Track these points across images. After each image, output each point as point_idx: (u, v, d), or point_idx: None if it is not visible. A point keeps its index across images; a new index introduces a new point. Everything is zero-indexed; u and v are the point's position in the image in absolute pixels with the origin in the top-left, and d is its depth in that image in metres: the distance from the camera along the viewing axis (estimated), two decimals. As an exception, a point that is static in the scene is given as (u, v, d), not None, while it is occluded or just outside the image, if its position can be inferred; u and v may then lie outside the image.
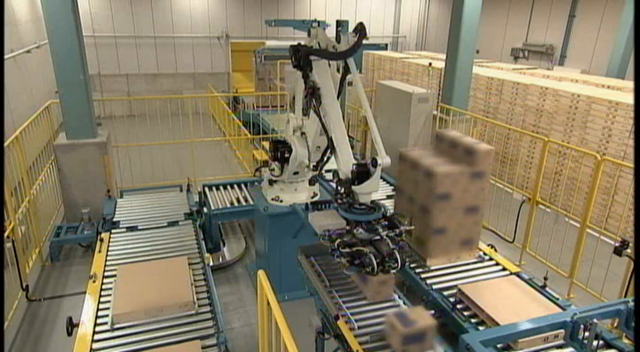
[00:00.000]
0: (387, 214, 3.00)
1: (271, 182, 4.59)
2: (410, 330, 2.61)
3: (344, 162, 3.18)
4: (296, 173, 4.47)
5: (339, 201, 3.07)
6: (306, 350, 2.75)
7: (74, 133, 5.98)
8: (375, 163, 2.96)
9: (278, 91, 10.63)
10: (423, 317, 2.71)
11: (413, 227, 3.19)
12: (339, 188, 3.12)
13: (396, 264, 2.77)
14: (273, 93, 10.78)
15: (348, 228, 2.94)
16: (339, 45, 3.46)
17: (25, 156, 5.44)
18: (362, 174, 2.99)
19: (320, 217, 3.12)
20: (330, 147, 3.33)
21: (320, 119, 3.47)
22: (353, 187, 3.01)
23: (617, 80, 8.93)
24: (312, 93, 3.46)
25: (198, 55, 15.19)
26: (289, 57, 3.69)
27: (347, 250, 2.77)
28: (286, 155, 4.29)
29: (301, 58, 3.50)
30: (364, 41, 3.37)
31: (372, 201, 3.05)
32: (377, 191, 3.06)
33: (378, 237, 2.82)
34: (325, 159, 4.06)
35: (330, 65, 3.65)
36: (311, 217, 3.23)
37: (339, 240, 2.81)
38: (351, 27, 3.48)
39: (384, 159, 2.98)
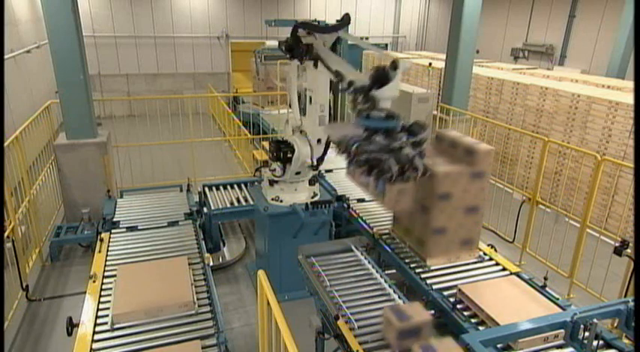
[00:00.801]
0: (406, 124, 2.82)
1: (272, 182, 4.59)
2: (406, 325, 2.66)
3: (355, 76, 3.08)
4: (298, 173, 4.47)
5: (357, 109, 2.91)
6: (306, 350, 2.76)
7: (74, 133, 5.98)
8: (395, 66, 2.84)
9: (278, 91, 10.63)
10: (420, 313, 2.76)
11: (432, 135, 3.17)
12: (356, 96, 2.93)
13: (416, 172, 2.68)
14: (273, 93, 10.78)
15: (366, 135, 2.72)
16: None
17: (25, 156, 5.44)
18: (382, 77, 2.84)
19: (337, 128, 3.01)
20: (340, 76, 3.21)
21: (325, 65, 3.55)
22: (373, 92, 2.84)
23: (617, 80, 8.93)
24: (307, 49, 3.73)
25: (198, 55, 15.19)
26: (284, 46, 4.00)
27: (365, 156, 2.64)
28: (289, 155, 4.29)
29: (290, 34, 3.78)
30: (364, 41, 3.55)
31: (389, 111, 2.86)
32: (396, 97, 2.93)
33: (397, 145, 2.67)
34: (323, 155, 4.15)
35: (316, 66, 3.89)
36: (327, 129, 3.18)
37: (355, 147, 2.66)
38: (351, 28, 3.76)
39: (404, 63, 2.91)
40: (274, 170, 4.46)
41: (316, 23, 4.17)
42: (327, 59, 3.57)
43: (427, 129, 2.81)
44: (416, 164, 2.67)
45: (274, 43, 13.04)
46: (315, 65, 3.77)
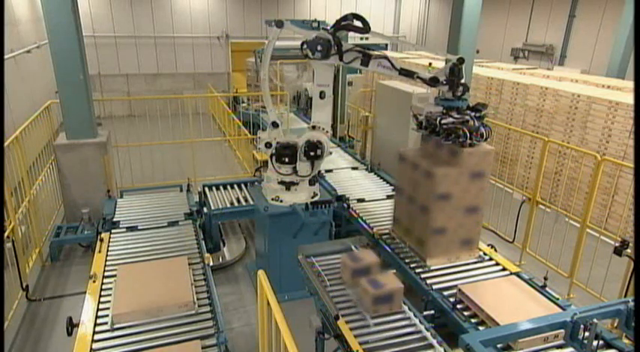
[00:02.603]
0: (470, 104, 3.99)
1: (289, 186, 4.52)
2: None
3: (424, 74, 4.01)
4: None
5: (443, 97, 3.97)
6: (306, 350, 2.76)
7: (74, 133, 5.98)
8: (462, 61, 3.90)
9: (278, 91, 10.63)
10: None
11: (493, 112, 4.09)
12: (436, 85, 3.93)
13: (481, 138, 3.79)
14: (273, 93, 10.78)
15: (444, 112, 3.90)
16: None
17: (25, 156, 5.44)
18: (454, 70, 3.87)
19: (426, 104, 4.16)
20: (412, 76, 4.05)
21: (392, 63, 4.06)
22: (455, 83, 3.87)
23: (617, 80, 8.92)
24: (339, 48, 4.06)
25: (198, 55, 15.19)
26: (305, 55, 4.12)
27: (446, 125, 3.75)
28: (319, 153, 4.36)
29: (334, 31, 4.04)
30: (365, 41, 3.75)
31: (459, 94, 3.94)
32: (466, 82, 4.06)
33: (466, 119, 3.78)
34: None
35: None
36: (419, 102, 4.67)
37: (439, 120, 3.77)
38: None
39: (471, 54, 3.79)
40: (295, 171, 4.43)
41: (316, 23, 4.23)
42: (392, 59, 4.07)
43: (487, 107, 4.03)
44: (481, 131, 3.77)
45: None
46: (365, 64, 4.08)
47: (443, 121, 3.72)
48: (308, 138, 4.37)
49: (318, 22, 4.32)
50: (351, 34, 4.63)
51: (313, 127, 4.42)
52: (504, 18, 15.21)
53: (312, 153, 4.34)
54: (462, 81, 3.94)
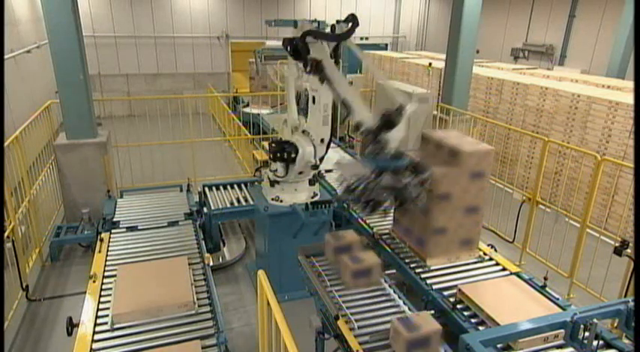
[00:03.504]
0: (412, 162, 3.05)
1: (273, 183, 4.58)
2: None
3: (363, 114, 3.19)
4: (300, 173, 4.48)
5: (367, 151, 3.08)
6: (306, 350, 2.76)
7: (74, 133, 5.98)
8: (400, 111, 3.04)
9: (278, 91, 10.62)
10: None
11: (435, 173, 3.32)
12: (364, 138, 3.14)
13: (419, 206, 3.04)
14: (274, 93, 10.78)
15: (373, 176, 2.96)
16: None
17: (25, 156, 5.44)
18: (388, 123, 3.04)
19: (346, 165, 3.21)
20: (347, 107, 3.33)
21: (330, 85, 3.53)
22: (381, 135, 3.03)
23: (617, 80, 8.93)
24: (317, 66, 3.59)
25: (198, 55, 15.19)
26: (287, 54, 3.89)
27: (365, 197, 2.90)
28: (292, 155, 4.29)
29: (299, 40, 3.67)
30: (365, 41, 3.54)
31: (396, 150, 3.06)
32: (403, 137, 3.13)
33: (402, 184, 2.93)
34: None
35: (329, 46, 3.83)
36: (337, 166, 3.33)
37: (360, 188, 2.88)
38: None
39: (410, 105, 3.03)
40: (276, 170, 4.46)
41: (316, 23, 4.15)
42: (336, 83, 3.51)
43: (431, 168, 3.10)
44: (420, 199, 2.97)
45: (274, 43, 13.06)
46: (321, 81, 3.65)
47: (360, 186, 2.86)
48: (286, 140, 4.36)
49: (318, 22, 4.30)
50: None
51: (303, 132, 4.37)
52: (504, 18, 15.20)
53: (278, 155, 4.32)
54: (397, 134, 3.03)
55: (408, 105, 3.04)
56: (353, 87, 3.47)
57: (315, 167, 4.42)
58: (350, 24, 3.66)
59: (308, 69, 3.71)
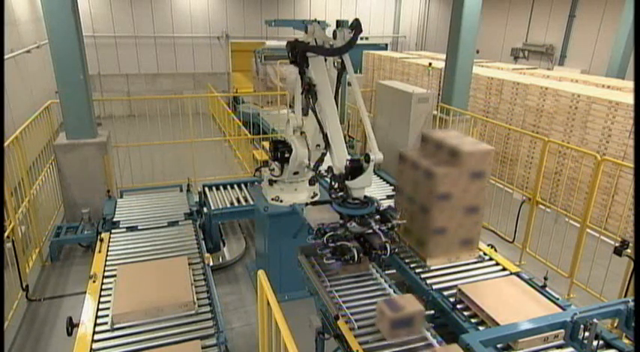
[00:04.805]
0: (380, 208, 3.10)
1: (271, 182, 4.59)
2: (399, 315, 2.77)
3: (338, 158, 3.22)
4: (296, 173, 4.47)
5: (333, 195, 3.13)
6: (306, 350, 2.76)
7: (74, 133, 5.98)
8: (367, 159, 3.05)
9: (278, 91, 10.63)
10: (412, 303, 2.88)
11: (404, 221, 3.30)
12: (333, 183, 3.17)
13: (385, 253, 2.93)
14: (274, 93, 10.78)
15: (341, 222, 3.03)
16: (336, 41, 3.50)
17: (25, 156, 5.44)
18: (355, 169, 3.07)
19: (315, 211, 3.21)
20: (325, 143, 3.37)
21: (315, 115, 3.49)
22: (347, 182, 3.06)
23: (617, 80, 8.93)
24: (309, 90, 3.49)
25: (198, 55, 15.19)
26: (287, 55, 3.73)
27: (332, 245, 2.91)
28: (286, 155, 4.29)
29: (298, 54, 3.54)
30: (365, 41, 3.43)
31: (365, 196, 3.12)
32: (370, 186, 3.15)
33: (370, 231, 2.94)
34: (322, 156, 4.09)
35: (326, 60, 3.69)
36: (306, 211, 3.28)
37: (328, 235, 2.91)
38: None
39: (376, 156, 3.06)
40: (273, 169, 4.47)
41: (328, 46, 3.89)
42: (324, 111, 3.40)
43: (399, 214, 3.12)
44: (387, 247, 2.90)
45: (274, 43, 13.07)
46: (314, 109, 3.51)
47: (332, 236, 2.89)
48: (282, 139, 4.36)
49: (318, 22, 4.30)
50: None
51: (301, 133, 4.35)
52: (504, 18, 15.20)
53: (273, 153, 4.33)
54: (361, 183, 3.00)
55: (373, 155, 3.07)
56: (338, 131, 3.39)
57: (314, 169, 4.41)
58: (352, 31, 3.31)
59: (301, 90, 3.59)
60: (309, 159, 4.24)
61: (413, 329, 2.88)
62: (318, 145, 4.17)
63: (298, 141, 4.28)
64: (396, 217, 3.07)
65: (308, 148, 4.22)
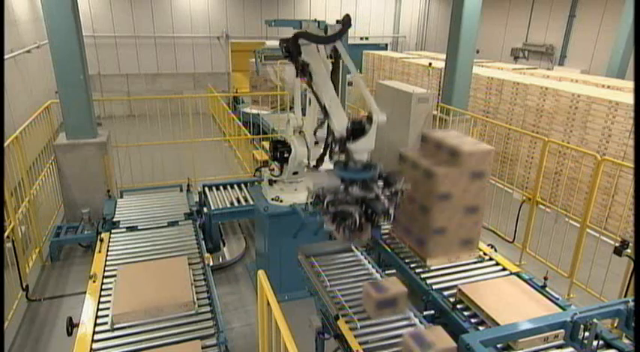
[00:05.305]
0: (383, 174, 2.97)
1: (271, 182, 4.60)
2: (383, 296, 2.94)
3: (338, 121, 3.13)
4: (295, 173, 4.47)
5: (334, 160, 3.03)
6: (306, 350, 2.76)
7: (74, 133, 5.98)
8: (370, 120, 2.92)
9: (278, 91, 10.63)
10: (396, 285, 3.06)
11: (409, 186, 3.15)
12: (333, 146, 3.06)
13: (388, 219, 2.86)
14: (274, 93, 10.78)
15: (343, 187, 2.89)
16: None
17: (25, 156, 5.44)
18: (357, 131, 2.94)
19: (315, 176, 3.13)
20: (324, 113, 3.28)
21: (313, 91, 3.46)
22: (348, 145, 2.95)
23: (617, 80, 8.93)
24: (302, 70, 3.50)
25: (198, 55, 15.19)
26: (281, 50, 3.78)
27: (333, 209, 2.80)
28: (285, 155, 4.30)
29: (290, 42, 3.56)
30: (365, 41, 3.46)
31: (368, 161, 3.00)
32: (372, 149, 3.02)
33: (372, 196, 2.81)
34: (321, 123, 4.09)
35: (318, 50, 3.69)
36: (308, 177, 3.27)
37: (328, 199, 2.80)
38: (351, 28, 3.63)
39: (379, 116, 2.94)
40: (273, 169, 4.48)
41: (316, 22, 4.11)
42: (320, 88, 3.41)
43: (402, 179, 2.96)
44: (390, 212, 2.82)
45: (274, 43, 13.05)
46: (310, 85, 3.55)
47: (332, 200, 2.79)
48: (282, 140, 4.37)
49: (318, 22, 4.30)
50: (351, 33, 4.53)
51: (300, 132, 4.36)
52: (504, 18, 15.21)
53: (273, 154, 4.33)
54: (364, 146, 2.91)
55: (376, 115, 2.94)
56: (335, 99, 3.32)
57: (315, 168, 4.41)
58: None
59: (297, 73, 3.61)
60: (308, 158, 4.24)
61: (397, 309, 3.07)
62: (317, 142, 4.18)
63: (297, 141, 4.29)
64: (400, 182, 2.93)
65: (307, 147, 4.23)
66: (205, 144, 8.88)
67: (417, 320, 3.11)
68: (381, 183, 2.93)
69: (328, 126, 3.32)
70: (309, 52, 3.60)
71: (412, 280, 3.79)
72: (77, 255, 5.77)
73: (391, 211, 2.81)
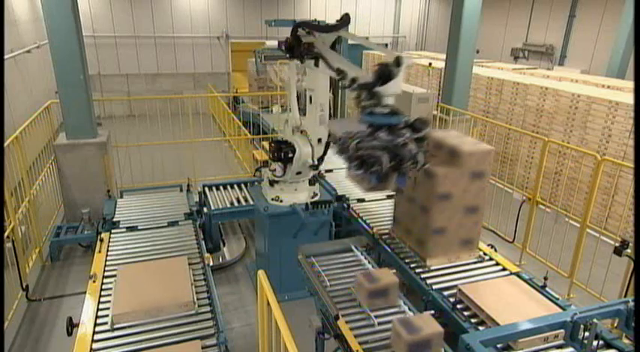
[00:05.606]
0: (409, 121, 2.87)
1: (272, 182, 4.59)
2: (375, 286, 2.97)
3: (357, 72, 3.11)
4: (298, 173, 4.48)
5: (362, 105, 2.90)
6: (306, 350, 2.76)
7: (74, 133, 5.98)
8: (398, 63, 2.83)
9: (278, 91, 10.62)
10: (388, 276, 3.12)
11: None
12: (360, 93, 2.94)
13: (416, 165, 2.76)
14: (274, 93, 10.78)
15: (369, 132, 2.77)
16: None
17: (25, 156, 5.44)
18: (385, 74, 2.83)
19: (340, 123, 3.08)
20: (341, 73, 3.23)
21: (324, 61, 3.54)
22: (377, 88, 2.84)
23: (617, 80, 8.93)
24: (309, 49, 3.72)
25: (198, 55, 15.19)
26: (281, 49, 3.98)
27: (361, 153, 2.66)
28: (290, 155, 4.29)
29: (292, 31, 3.77)
30: (365, 41, 3.56)
31: (394, 107, 2.89)
32: (399, 93, 2.96)
33: (399, 142, 2.70)
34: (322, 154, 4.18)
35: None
36: (331, 124, 3.24)
37: (355, 141, 2.67)
38: (351, 28, 3.78)
39: (407, 59, 2.87)
40: (274, 170, 4.46)
41: (316, 23, 4.17)
42: (328, 57, 3.55)
43: (429, 125, 2.83)
44: (418, 159, 2.72)
45: (274, 43, 13.04)
46: (316, 64, 3.76)
47: (360, 144, 2.67)
48: (284, 140, 4.37)
49: (318, 22, 4.31)
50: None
51: (301, 132, 4.38)
52: (504, 18, 15.21)
53: (276, 154, 4.32)
54: (392, 90, 2.87)
55: (405, 58, 2.83)
56: (346, 60, 3.42)
57: (315, 167, 4.42)
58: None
59: (303, 56, 3.79)
60: (312, 158, 4.28)
61: (388, 299, 3.18)
62: (320, 140, 4.25)
63: (301, 140, 4.30)
64: (427, 127, 2.81)
65: (311, 145, 4.26)
66: (205, 144, 8.88)
67: (406, 308, 3.21)
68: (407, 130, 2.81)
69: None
70: (309, 37, 3.84)
71: (412, 280, 3.79)
72: (77, 255, 5.77)
73: (419, 158, 2.73)
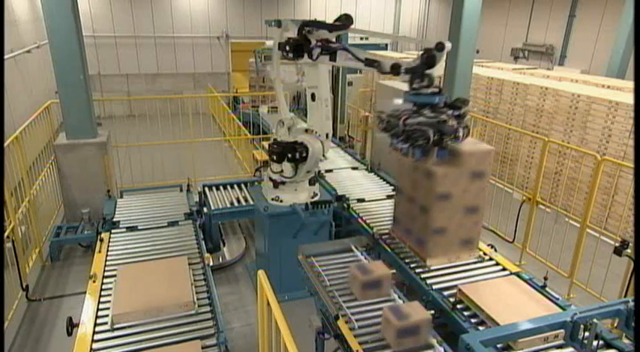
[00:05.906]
0: (449, 100, 3.23)
1: (276, 184, 4.54)
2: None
3: (386, 61, 3.41)
4: (308, 171, 4.49)
5: (413, 86, 3.20)
6: (306, 350, 2.76)
7: (74, 133, 5.98)
8: (441, 47, 3.10)
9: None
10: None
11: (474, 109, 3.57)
12: (412, 77, 3.22)
13: (458, 140, 3.23)
14: (274, 93, 10.77)
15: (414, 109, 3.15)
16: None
17: (25, 156, 5.44)
18: (431, 58, 3.14)
19: (388, 103, 3.37)
20: (373, 62, 3.53)
21: (351, 53, 3.67)
22: (427, 71, 3.16)
23: (617, 80, 8.93)
24: (326, 44, 3.81)
25: (198, 55, 15.19)
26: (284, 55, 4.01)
27: (409, 128, 3.01)
28: (304, 154, 4.30)
29: (298, 31, 3.85)
30: (365, 41, 3.62)
31: (437, 87, 3.22)
32: (441, 74, 3.34)
33: (442, 118, 3.06)
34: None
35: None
36: (380, 102, 3.46)
37: (404, 118, 3.03)
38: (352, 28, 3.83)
39: (448, 44, 3.13)
40: (281, 171, 4.42)
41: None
42: (352, 50, 3.66)
43: (469, 104, 3.26)
44: (459, 134, 3.13)
45: (274, 43, 13.03)
46: (333, 59, 3.79)
47: (408, 121, 3.02)
48: (292, 141, 4.37)
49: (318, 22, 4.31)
50: (350, 34, 4.62)
51: (306, 131, 4.39)
52: (504, 18, 15.21)
53: (289, 155, 4.30)
54: (437, 72, 3.24)
55: (447, 44, 3.11)
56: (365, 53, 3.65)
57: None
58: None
59: (315, 55, 3.83)
60: (323, 153, 4.37)
61: (381, 291, 3.27)
62: (327, 134, 4.36)
63: (311, 139, 4.33)
64: (466, 106, 3.20)
65: (321, 141, 4.32)
66: (205, 144, 8.88)
67: (396, 296, 3.30)
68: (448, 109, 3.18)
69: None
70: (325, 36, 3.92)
71: (412, 280, 3.79)
72: (77, 255, 5.77)
73: (460, 132, 3.12)
